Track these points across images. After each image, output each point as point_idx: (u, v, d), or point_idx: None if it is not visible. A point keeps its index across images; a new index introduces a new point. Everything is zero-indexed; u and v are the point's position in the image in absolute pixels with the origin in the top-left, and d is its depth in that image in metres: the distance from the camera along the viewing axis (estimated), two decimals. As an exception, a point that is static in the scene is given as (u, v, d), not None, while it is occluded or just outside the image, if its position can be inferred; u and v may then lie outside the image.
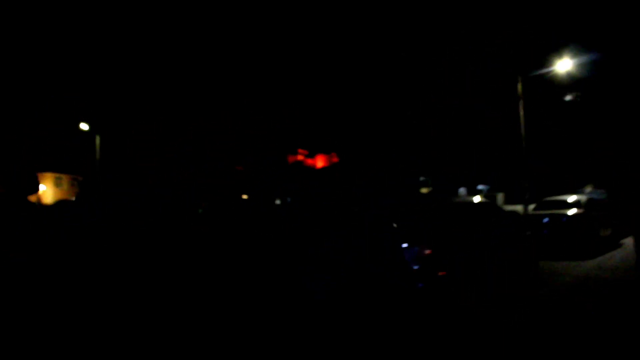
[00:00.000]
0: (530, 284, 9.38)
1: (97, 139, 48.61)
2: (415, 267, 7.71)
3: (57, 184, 65.08)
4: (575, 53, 22.78)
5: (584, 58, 22.82)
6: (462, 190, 43.14)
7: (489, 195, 29.17)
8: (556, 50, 23.29)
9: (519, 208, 24.07)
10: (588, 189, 23.39)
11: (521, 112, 23.54)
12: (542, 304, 8.20)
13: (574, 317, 7.47)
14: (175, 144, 53.51)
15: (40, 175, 62.31)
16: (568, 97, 24.37)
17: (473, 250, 7.94)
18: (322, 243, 8.86)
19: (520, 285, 8.91)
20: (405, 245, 7.80)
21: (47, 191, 60.74)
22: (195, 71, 59.99)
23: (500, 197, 28.15)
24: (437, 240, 7.89)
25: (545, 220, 15.37)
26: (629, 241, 17.58)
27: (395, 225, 7.59)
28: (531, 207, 20.57)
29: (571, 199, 16.51)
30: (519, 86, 23.63)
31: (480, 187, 43.46)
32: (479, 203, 9.15)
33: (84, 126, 48.49)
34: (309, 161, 55.47)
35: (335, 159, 54.86)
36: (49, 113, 59.05)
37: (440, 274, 7.65)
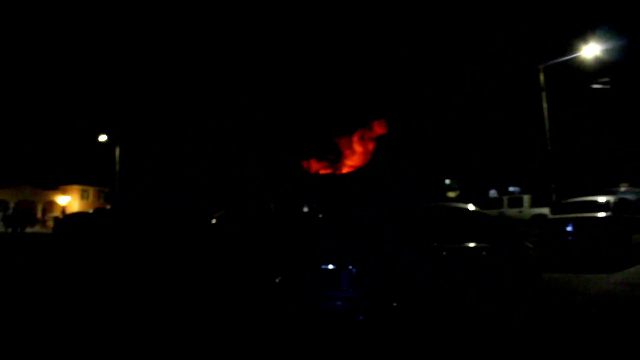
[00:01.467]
0: (525, 306, 7.33)
1: (117, 151, 47.78)
2: (355, 295, 5.86)
3: (83, 196, 65.19)
4: (603, 36, 20.41)
5: (613, 41, 20.39)
6: (492, 193, 40.74)
7: (515, 198, 26.81)
8: (580, 34, 20.94)
9: (545, 211, 21.76)
10: (622, 188, 20.90)
11: (544, 105, 21.21)
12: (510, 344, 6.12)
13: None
14: (182, 145, 52.70)
15: (66, 187, 62.48)
16: (596, 86, 21.91)
17: (436, 269, 6.02)
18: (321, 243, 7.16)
19: (507, 311, 6.88)
20: (330, 266, 5.99)
21: (72, 202, 60.76)
22: (199, 72, 59.08)
23: (526, 199, 25.74)
24: (385, 259, 6.01)
25: (569, 226, 13.25)
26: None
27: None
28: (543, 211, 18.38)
29: (598, 199, 14.22)
30: (541, 76, 21.33)
31: (511, 188, 40.95)
32: (447, 209, 7.19)
33: (103, 137, 47.86)
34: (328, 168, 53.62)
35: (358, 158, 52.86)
36: (70, 127, 59.09)
37: (389, 304, 5.77)
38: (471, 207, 7.38)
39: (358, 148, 54.08)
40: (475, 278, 6.28)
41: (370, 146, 53.86)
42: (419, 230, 6.37)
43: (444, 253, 6.10)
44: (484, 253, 6.45)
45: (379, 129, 53.22)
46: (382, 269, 5.79)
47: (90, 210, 39.10)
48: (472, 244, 6.41)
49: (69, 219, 32.40)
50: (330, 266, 6.10)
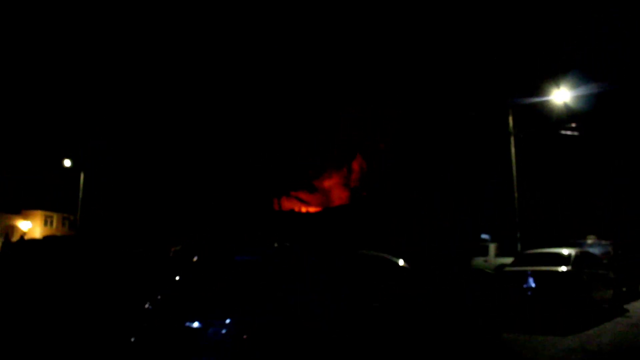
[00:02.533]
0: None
1: (82, 176, 46.09)
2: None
3: (47, 222, 62.99)
4: (574, 83, 19.72)
5: (585, 88, 19.72)
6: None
7: (480, 246, 25.69)
8: (552, 79, 20.26)
9: (508, 261, 20.66)
10: (590, 240, 19.88)
11: (512, 150, 20.32)
12: None
13: None
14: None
15: (28, 212, 60.39)
16: (565, 132, 21.17)
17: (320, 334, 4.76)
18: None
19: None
20: (196, 324, 4.70)
21: (34, 228, 58.59)
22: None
23: (492, 248, 24.60)
24: (266, 313, 4.76)
25: (529, 281, 12.07)
26: (637, 306, 14.17)
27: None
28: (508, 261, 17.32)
29: (561, 251, 13.11)
30: (510, 120, 20.51)
31: (483, 236, 39.89)
32: (367, 260, 5.97)
33: (67, 162, 46.27)
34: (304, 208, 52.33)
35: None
36: (36, 153, 57.45)
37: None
38: (401, 262, 6.22)
39: (331, 185, 53.19)
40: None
41: (340, 186, 53.04)
42: (313, 284, 5.14)
43: (331, 313, 4.86)
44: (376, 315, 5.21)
45: (356, 166, 52.48)
46: (258, 330, 4.52)
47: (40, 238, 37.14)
48: (369, 304, 5.18)
49: (16, 246, 30.63)
50: (195, 324, 4.81)
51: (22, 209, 60.20)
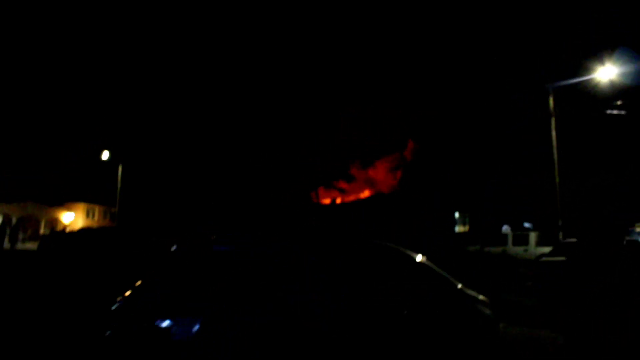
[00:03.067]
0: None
1: (119, 169, 46.60)
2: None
3: (89, 214, 64.29)
4: (620, 59, 18.30)
5: (631, 65, 18.28)
6: (505, 228, 38.24)
7: (521, 235, 24.42)
8: (595, 56, 18.86)
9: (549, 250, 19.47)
10: (639, 228, 18.53)
11: (553, 132, 19.10)
12: None
13: None
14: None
15: (71, 205, 61.65)
16: (612, 112, 19.72)
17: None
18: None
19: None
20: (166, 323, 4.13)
21: (76, 220, 59.81)
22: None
23: (533, 236, 23.33)
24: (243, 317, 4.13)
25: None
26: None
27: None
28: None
29: (602, 240, 12.05)
30: (550, 100, 19.26)
31: (526, 224, 38.45)
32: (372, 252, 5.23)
33: (105, 155, 46.79)
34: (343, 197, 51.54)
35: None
36: (79, 143, 58.35)
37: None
38: (419, 257, 5.50)
39: (376, 175, 52.14)
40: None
41: (385, 173, 51.92)
42: (313, 284, 4.46)
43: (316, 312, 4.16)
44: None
45: (407, 154, 51.16)
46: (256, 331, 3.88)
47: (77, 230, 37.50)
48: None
49: (53, 238, 30.99)
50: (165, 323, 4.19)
51: (65, 202, 61.51)
